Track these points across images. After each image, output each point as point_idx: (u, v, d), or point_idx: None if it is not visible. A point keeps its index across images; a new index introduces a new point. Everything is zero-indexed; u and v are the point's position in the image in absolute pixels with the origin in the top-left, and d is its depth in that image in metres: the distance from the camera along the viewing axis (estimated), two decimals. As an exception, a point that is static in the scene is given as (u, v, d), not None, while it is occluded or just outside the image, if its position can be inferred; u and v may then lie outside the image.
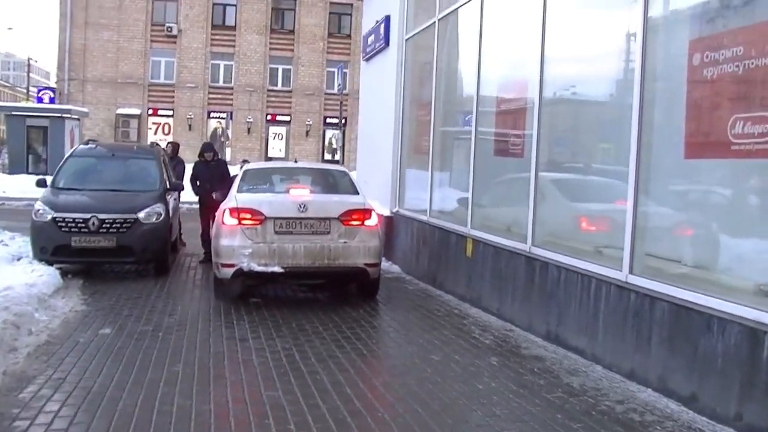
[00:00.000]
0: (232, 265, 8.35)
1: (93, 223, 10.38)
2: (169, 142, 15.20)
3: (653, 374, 5.77)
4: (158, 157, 12.55)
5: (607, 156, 7.37)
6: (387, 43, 13.66)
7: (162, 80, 45.76)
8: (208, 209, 12.21)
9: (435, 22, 11.27)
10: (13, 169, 33.03)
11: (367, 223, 8.74)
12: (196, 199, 12.94)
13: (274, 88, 47.20)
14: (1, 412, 4.84)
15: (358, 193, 9.31)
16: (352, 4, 47.36)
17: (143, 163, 12.21)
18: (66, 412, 4.93)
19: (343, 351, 6.80)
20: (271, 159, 43.44)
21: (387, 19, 13.64)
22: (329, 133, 48.38)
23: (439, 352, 6.83)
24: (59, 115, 34.21)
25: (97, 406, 5.03)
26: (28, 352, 6.26)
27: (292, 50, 47.22)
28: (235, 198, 8.75)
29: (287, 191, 8.96)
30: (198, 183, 12.43)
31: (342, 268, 8.57)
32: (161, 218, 10.89)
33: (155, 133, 45.61)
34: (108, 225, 10.44)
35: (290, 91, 47.30)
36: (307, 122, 47.16)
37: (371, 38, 14.96)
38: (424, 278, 10.94)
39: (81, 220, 10.39)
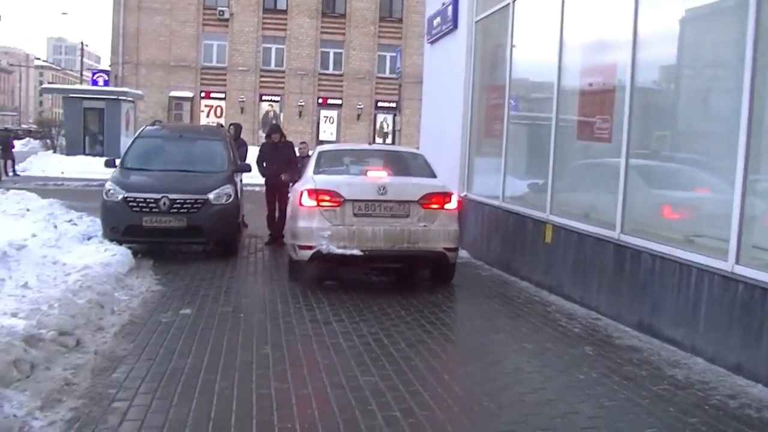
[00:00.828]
0: (310, 247, 8.21)
1: (164, 204, 10.33)
2: (231, 124, 15.11)
3: (765, 369, 5.47)
4: (225, 138, 12.48)
5: (705, 143, 7.03)
6: (455, 25, 13.36)
7: (214, 63, 45.98)
8: (274, 191, 12.22)
9: (509, 3, 10.95)
10: (71, 150, 33.55)
11: (447, 206, 8.52)
12: (257, 180, 12.87)
13: (326, 71, 47.15)
14: (98, 392, 4.74)
15: (435, 176, 9.10)
16: (404, -12, 47.14)
17: (211, 144, 12.14)
18: (162, 393, 4.82)
19: (431, 337, 6.61)
20: (322, 142, 43.46)
21: (455, 1, 13.35)
22: (380, 117, 48.21)
23: (530, 340, 6.60)
24: (115, 97, 34.64)
25: (193, 389, 4.91)
26: (115, 332, 6.19)
27: (344, 34, 47.07)
28: (313, 179, 8.59)
29: (365, 173, 8.78)
30: (264, 164, 12.32)
31: (421, 252, 8.37)
32: (231, 199, 10.81)
33: (207, 116, 45.94)
34: (179, 205, 10.39)
35: (341, 75, 47.19)
36: (358, 106, 47.04)
37: (437, 20, 14.67)
38: (495, 264, 10.69)
39: (152, 200, 10.36)
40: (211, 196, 10.58)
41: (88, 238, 10.90)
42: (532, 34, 10.61)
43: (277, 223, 12.18)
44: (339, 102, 47.31)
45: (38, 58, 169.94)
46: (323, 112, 47.19)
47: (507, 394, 5.09)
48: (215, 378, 5.15)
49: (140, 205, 10.36)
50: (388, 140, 47.45)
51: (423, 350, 6.13)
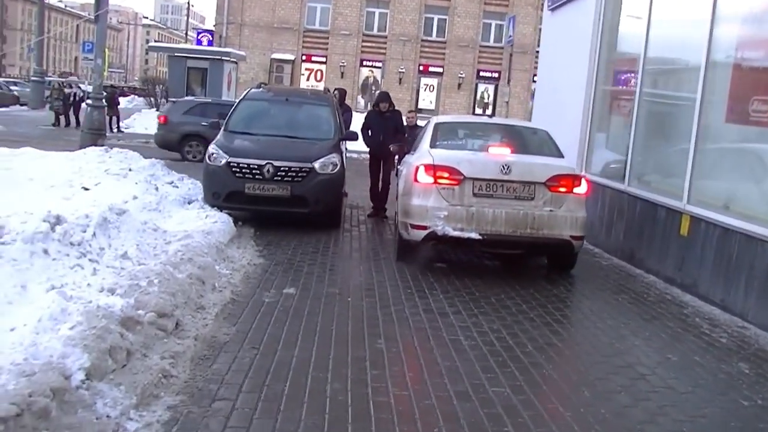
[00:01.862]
0: (424, 227, 7.55)
1: (268, 171, 9.86)
2: (336, 89, 14.51)
3: None
4: (332, 103, 11.92)
5: None
6: (583, -11, 12.37)
7: (317, 26, 45.64)
8: (378, 162, 11.64)
9: (648, -33, 9.92)
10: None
11: (576, 190, 7.71)
12: (358, 147, 12.34)
13: (428, 38, 46.21)
14: (198, 387, 4.23)
15: (563, 156, 8.29)
16: (513, -45, 45.53)
17: (318, 109, 11.60)
18: (269, 393, 4.27)
19: (560, 338, 5.90)
20: (421, 111, 42.67)
21: (583, -36, 12.35)
22: (481, 87, 47.05)
23: (673, 351, 5.79)
24: (219, 57, 34.60)
25: (303, 390, 4.35)
26: (216, 313, 5.70)
27: (449, 0, 45.88)
28: (430, 154, 7.91)
29: (486, 150, 8.03)
30: (370, 134, 11.67)
31: (546, 239, 7.60)
32: (337, 169, 10.25)
33: (307, 79, 45.78)
34: (283, 173, 9.90)
35: (444, 42, 46.17)
36: (459, 75, 45.97)
37: (561, -15, 13.67)
38: (617, 253, 9.82)
39: (255, 167, 9.90)
40: (316, 165, 10.05)
41: (189, 202, 10.58)
42: (674, 2, 9.57)
43: (380, 195, 11.61)
44: (440, 70, 46.34)
45: (146, 17, 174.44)
46: (423, 80, 46.35)
47: (664, 422, 4.33)
48: (326, 377, 4.58)
49: (243, 171, 9.93)
50: (488, 111, 46.32)
51: (554, 355, 5.43)
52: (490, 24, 46.38)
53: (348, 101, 14.68)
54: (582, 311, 6.85)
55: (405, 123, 12.20)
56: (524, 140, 8.66)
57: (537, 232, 7.49)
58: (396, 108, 11.91)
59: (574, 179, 7.73)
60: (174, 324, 4.90)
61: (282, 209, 10.21)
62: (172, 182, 11.81)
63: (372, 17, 46.05)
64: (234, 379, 4.43)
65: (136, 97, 50.49)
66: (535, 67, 44.54)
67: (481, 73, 46.64)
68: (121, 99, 48.03)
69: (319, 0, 45.53)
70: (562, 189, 7.62)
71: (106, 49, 28.19)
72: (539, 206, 7.56)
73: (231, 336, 5.25)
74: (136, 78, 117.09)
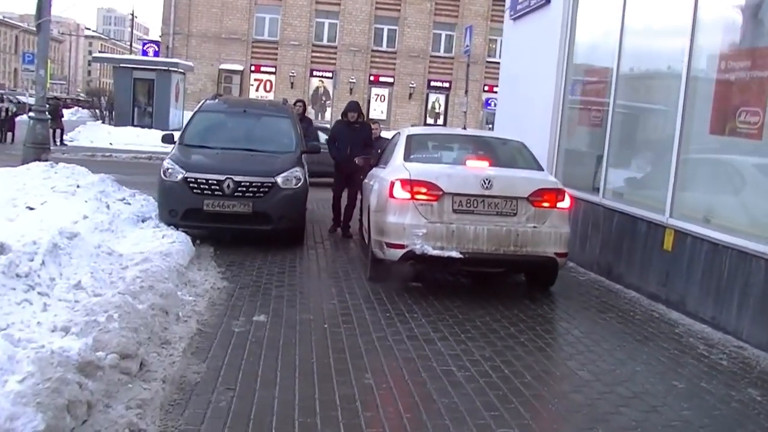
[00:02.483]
0: (401, 246, 7.08)
1: (228, 186, 9.30)
2: (297, 100, 13.99)
3: None
4: (292, 115, 11.41)
5: None
6: (548, -1, 12.09)
7: (266, 37, 45.05)
8: (344, 176, 10.99)
9: (620, -28, 9.66)
10: (120, 121, 32.86)
11: (559, 205, 7.34)
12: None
13: (379, 48, 46.01)
14: (171, 443, 3.70)
15: (542, 169, 7.92)
16: (461, -35, 45.61)
17: (278, 121, 11.07)
18: (251, 447, 3.75)
19: (558, 365, 5.52)
20: (372, 122, 42.26)
21: (548, -30, 12.08)
22: (432, 96, 46.96)
23: (678, 377, 5.42)
24: (166, 68, 33.82)
25: (290, 441, 3.84)
26: (183, 348, 5.14)
27: (399, 10, 45.83)
28: (405, 168, 7.45)
29: (464, 163, 7.60)
30: (337, 145, 11.08)
31: (530, 257, 7.19)
32: (300, 183, 9.74)
33: (257, 89, 45.10)
34: (244, 188, 9.35)
35: (395, 53, 45.99)
36: (410, 85, 45.83)
37: (523, -7, 13.39)
38: (592, 267, 9.49)
39: (214, 182, 9.33)
40: (279, 179, 9.52)
41: (143, 220, 9.96)
42: (650, 10, 9.31)
43: (345, 210, 11.05)
44: (391, 80, 46.14)
45: (88, 28, 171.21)
46: (374, 90, 46.09)
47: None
48: (315, 423, 4.07)
49: (202, 186, 9.35)
50: (440, 121, 46.25)
51: (555, 385, 5.03)
52: (440, 34, 46.40)
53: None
54: (572, 333, 6.45)
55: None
56: (502, 153, 8.27)
57: (520, 249, 7.09)
58: (365, 120, 11.29)
59: (558, 193, 7.35)
60: (138, 365, 4.34)
61: (243, 227, 9.66)
62: (124, 199, 11.15)
63: (321, 27, 45.66)
64: (211, 428, 3.89)
65: (80, 109, 49.09)
66: (486, 77, 44.81)
67: (432, 83, 46.60)
68: (64, 111, 46.82)
69: (268, 10, 44.98)
70: (546, 204, 7.24)
71: (49, 60, 27.20)
72: (522, 222, 7.16)
73: (202, 375, 4.70)
74: (79, 90, 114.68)
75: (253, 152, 10.12)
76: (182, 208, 9.39)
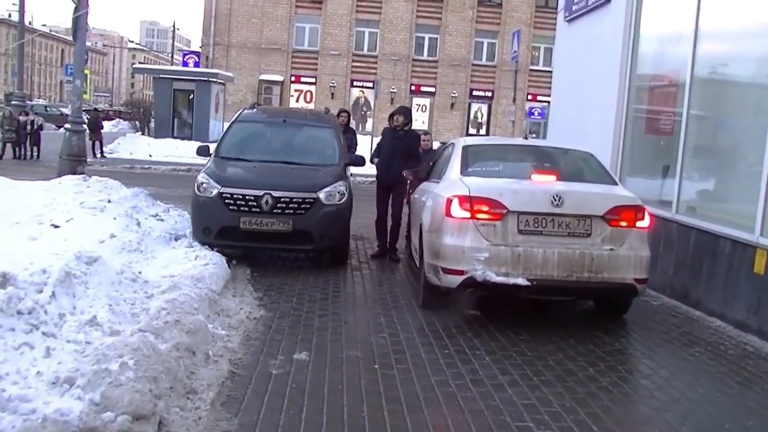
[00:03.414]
0: (460, 272, 6.26)
1: (266, 202, 8.58)
2: (341, 110, 13.19)
3: None
4: (335, 125, 10.67)
5: None
6: (608, -3, 11.22)
7: (306, 47, 44.58)
8: (388, 190, 10.06)
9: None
10: (159, 133, 32.62)
11: (638, 224, 6.47)
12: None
13: (420, 57, 45.22)
14: None
15: (616, 183, 7.05)
16: (504, -28, 44.71)
17: (320, 132, 10.34)
18: None
19: (653, 420, 4.62)
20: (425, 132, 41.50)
21: (608, -33, 11.21)
22: (474, 106, 46.07)
23: (799, 433, 4.53)
24: (206, 79, 33.51)
25: None
26: (212, 398, 4.37)
27: (440, 18, 44.99)
28: (464, 183, 6.63)
29: (529, 177, 6.77)
30: (379, 155, 10.21)
31: (606, 284, 6.31)
32: (344, 199, 8.98)
33: (297, 100, 44.61)
34: (284, 205, 8.62)
35: (436, 62, 45.17)
36: (452, 94, 44.93)
37: (580, -7, 12.54)
38: (665, 291, 8.57)
39: (252, 198, 8.62)
40: (321, 195, 8.78)
41: (176, 239, 9.29)
42: (729, 9, 8.39)
43: (391, 231, 10.05)
44: (432, 90, 45.30)
45: (131, 41, 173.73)
46: (416, 100, 45.19)
47: None
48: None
49: (238, 203, 8.64)
50: (482, 131, 45.31)
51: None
52: (482, 42, 45.48)
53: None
54: (660, 374, 5.56)
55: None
56: (569, 165, 7.39)
57: (596, 275, 6.22)
58: (414, 129, 10.33)
59: (637, 211, 6.47)
60: (156, 427, 3.59)
61: (283, 246, 8.95)
62: (157, 215, 10.52)
63: (362, 37, 45.02)
64: None
65: (121, 120, 49.07)
66: (529, 86, 43.84)
67: (474, 92, 45.68)
68: (105, 123, 46.82)
69: (308, 20, 44.48)
70: (624, 223, 6.36)
71: (87, 71, 26.93)
72: (597, 244, 6.29)
73: (233, 435, 3.94)
74: (122, 102, 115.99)
75: (294, 165, 9.41)
76: (217, 226, 8.70)
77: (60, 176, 13.18)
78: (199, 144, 10.88)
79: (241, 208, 8.62)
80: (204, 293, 6.41)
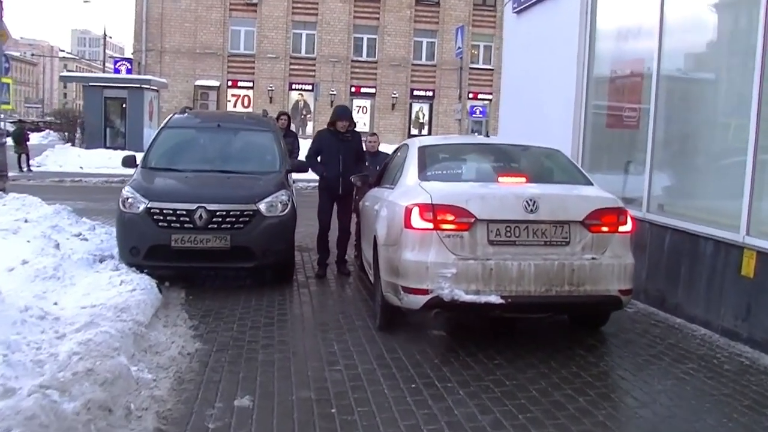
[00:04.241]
0: (424, 292, 5.46)
1: (200, 217, 7.68)
2: (281, 113, 12.30)
3: None
4: (276, 129, 9.79)
5: None
6: (560, -17, 10.60)
7: (242, 50, 43.41)
8: (332, 198, 9.00)
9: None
10: (91, 143, 31.20)
11: (621, 229, 5.76)
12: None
13: (359, 58, 44.48)
14: None
15: (591, 183, 6.31)
16: (440, -30, 44.29)
17: (258, 136, 9.46)
18: None
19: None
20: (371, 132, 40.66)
21: (559, -48, 10.60)
22: (416, 106, 45.51)
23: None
24: (138, 85, 32.21)
25: None
26: (132, 474, 3.51)
27: (378, 19, 44.35)
28: (423, 189, 5.83)
29: (496, 180, 6.01)
30: (322, 160, 9.08)
31: (589, 297, 5.59)
32: (287, 209, 8.12)
33: (234, 105, 43.46)
34: (220, 219, 7.73)
35: (375, 62, 44.48)
36: (393, 95, 44.30)
37: (529, -18, 11.90)
38: (638, 296, 7.86)
39: (184, 213, 7.71)
40: (261, 206, 7.91)
41: (101, 260, 8.32)
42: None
43: (338, 243, 9.12)
44: (373, 90, 44.59)
45: (62, 50, 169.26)
46: (356, 101, 44.39)
47: None
48: None
49: (168, 218, 7.72)
50: (424, 131, 44.77)
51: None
52: (422, 42, 44.98)
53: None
54: (660, 402, 4.84)
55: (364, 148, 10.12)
56: (538, 165, 6.66)
57: (577, 288, 5.49)
58: (357, 130, 9.33)
59: (619, 214, 5.76)
60: None
61: (221, 265, 8.05)
62: (80, 234, 9.56)
63: (299, 39, 44.08)
64: None
65: (51, 131, 47.09)
66: (471, 84, 43.41)
67: (415, 92, 45.16)
68: (35, 134, 44.86)
69: (243, 23, 43.35)
70: (605, 228, 5.65)
71: (9, 80, 25.44)
72: (578, 253, 5.57)
73: None
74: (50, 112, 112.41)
75: (230, 174, 8.52)
76: (146, 245, 7.77)
77: None
78: (126, 154, 9.86)
79: (172, 225, 7.71)
80: (128, 327, 5.51)
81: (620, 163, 9.37)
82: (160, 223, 7.73)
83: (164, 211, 7.73)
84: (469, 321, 6.55)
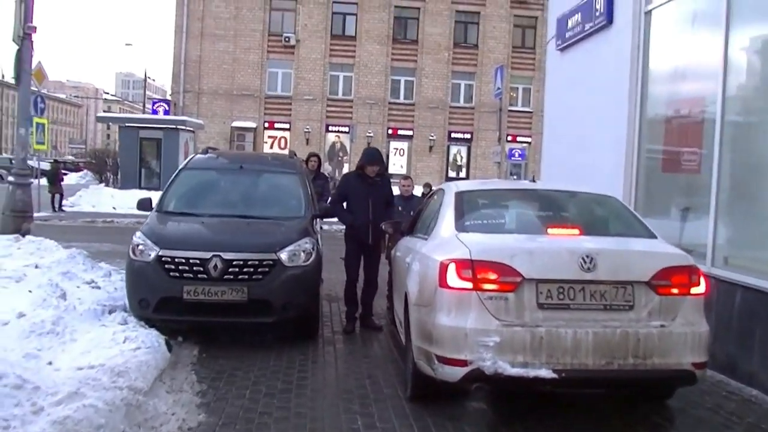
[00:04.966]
0: (462, 363, 4.66)
1: (215, 267, 6.98)
2: (311, 154, 11.61)
3: None
4: (302, 170, 9.11)
5: None
6: (609, 19, 9.87)
7: (279, 92, 43.30)
8: (361, 249, 8.28)
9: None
10: (125, 183, 31.00)
11: (693, 291, 4.91)
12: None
13: (396, 100, 44.04)
14: None
15: (655, 236, 5.48)
16: (479, 13, 43.99)
17: (282, 179, 8.80)
18: None
19: None
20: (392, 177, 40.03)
21: (608, -13, 9.89)
22: (453, 148, 44.84)
23: None
24: (173, 126, 32.01)
25: None
26: None
27: (415, 61, 44.01)
28: (461, 241, 5.05)
29: (545, 232, 5.23)
30: (349, 207, 8.37)
31: (656, 373, 4.74)
32: (311, 259, 7.39)
33: (271, 147, 43.24)
34: (236, 269, 7.02)
35: (413, 104, 44.00)
36: (430, 137, 43.70)
37: (575, 19, 11.20)
38: (704, 361, 7.01)
39: (197, 262, 7.02)
40: (283, 255, 7.19)
41: (111, 311, 7.62)
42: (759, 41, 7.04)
43: (364, 298, 8.40)
44: (410, 133, 44.07)
45: (107, 93, 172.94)
46: (393, 144, 43.95)
47: None
48: None
49: (180, 268, 7.04)
50: (462, 174, 44.07)
51: None
52: (459, 84, 44.54)
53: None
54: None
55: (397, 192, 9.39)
56: (592, 214, 5.86)
57: (644, 361, 4.64)
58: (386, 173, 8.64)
59: (691, 274, 4.91)
60: None
61: (237, 320, 7.30)
62: (92, 281, 8.89)
63: (336, 81, 43.86)
64: None
65: (90, 172, 47.23)
66: (509, 127, 42.68)
67: (453, 135, 44.50)
68: (74, 174, 45.07)
69: (280, 65, 43.28)
70: (675, 290, 4.81)
71: (44, 120, 25.32)
72: (643, 320, 4.73)
73: None
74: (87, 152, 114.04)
75: (251, 220, 7.84)
76: (156, 297, 7.09)
77: (3, 234, 11.60)
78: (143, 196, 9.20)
79: (185, 275, 7.03)
80: (121, 397, 4.80)
81: (677, 210, 8.54)
82: (171, 273, 7.06)
83: (176, 260, 7.05)
84: (515, 392, 5.71)
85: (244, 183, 8.65)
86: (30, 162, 29.72)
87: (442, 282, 4.79)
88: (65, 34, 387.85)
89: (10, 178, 15.36)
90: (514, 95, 44.59)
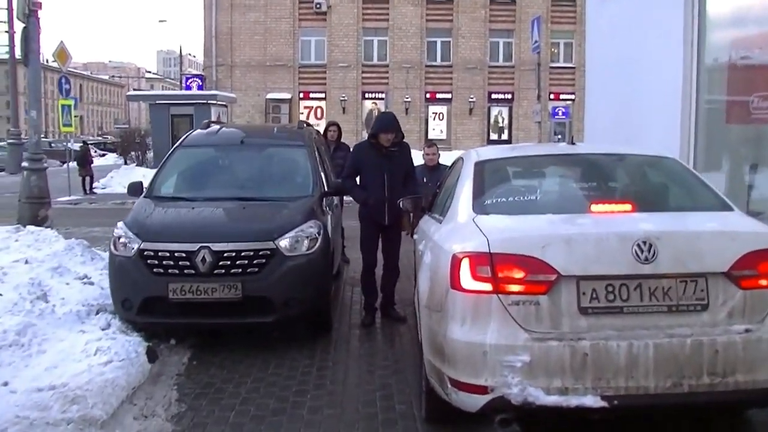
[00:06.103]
0: (481, 389, 3.56)
1: (203, 260, 5.99)
2: (330, 123, 10.51)
3: None
4: (310, 143, 8.01)
5: None
6: (657, -49, 8.56)
7: (312, 61, 42.15)
8: (377, 229, 7.19)
9: None
10: (157, 162, 30.17)
11: (786, 281, 3.73)
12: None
13: (433, 63, 42.51)
14: None
15: (731, 208, 4.27)
16: (516, -33, 42.09)
17: (288, 153, 7.78)
18: None
19: None
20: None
21: None
22: (494, 110, 43.28)
23: None
24: (204, 101, 31.02)
25: None
26: None
27: (451, 21, 42.34)
28: (477, 227, 3.92)
29: (587, 209, 4.08)
30: (362, 182, 7.25)
31: (741, 394, 3.56)
32: (316, 245, 6.34)
33: (307, 117, 42.11)
34: (228, 262, 6.01)
35: (450, 66, 42.44)
36: (470, 99, 42.15)
37: (616, -46, 9.86)
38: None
39: (183, 255, 6.02)
40: (282, 243, 6.16)
41: (97, 312, 6.73)
42: None
43: (383, 286, 7.35)
44: (449, 96, 42.58)
45: (148, 71, 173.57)
46: (432, 108, 42.56)
47: None
48: None
49: (165, 263, 6.05)
50: (504, 136, 42.60)
51: None
52: (498, 42, 42.81)
53: (352, 138, 10.30)
54: None
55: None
56: (646, 183, 4.67)
57: (725, 379, 3.49)
58: (405, 141, 7.33)
59: (781, 257, 3.74)
60: None
61: (231, 321, 6.28)
62: (86, 277, 7.98)
63: (370, 46, 42.51)
64: None
65: (113, 154, 46.59)
66: (551, 85, 40.98)
67: (493, 96, 42.89)
68: (111, 155, 44.59)
69: (313, 33, 42.07)
70: (764, 282, 3.64)
71: (69, 102, 24.63)
72: (722, 323, 3.57)
73: None
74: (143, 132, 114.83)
75: (248, 202, 6.82)
76: (138, 297, 6.15)
77: (20, 223, 11.05)
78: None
79: (169, 271, 6.05)
80: (77, 417, 3.85)
81: (744, 167, 7.32)
82: (155, 269, 6.09)
83: (159, 254, 6.08)
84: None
85: (244, 160, 7.64)
86: (66, 144, 29.28)
87: (454, 282, 3.68)
88: (105, 15, 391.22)
89: (24, 164, 14.61)
90: (556, 51, 42.76)
